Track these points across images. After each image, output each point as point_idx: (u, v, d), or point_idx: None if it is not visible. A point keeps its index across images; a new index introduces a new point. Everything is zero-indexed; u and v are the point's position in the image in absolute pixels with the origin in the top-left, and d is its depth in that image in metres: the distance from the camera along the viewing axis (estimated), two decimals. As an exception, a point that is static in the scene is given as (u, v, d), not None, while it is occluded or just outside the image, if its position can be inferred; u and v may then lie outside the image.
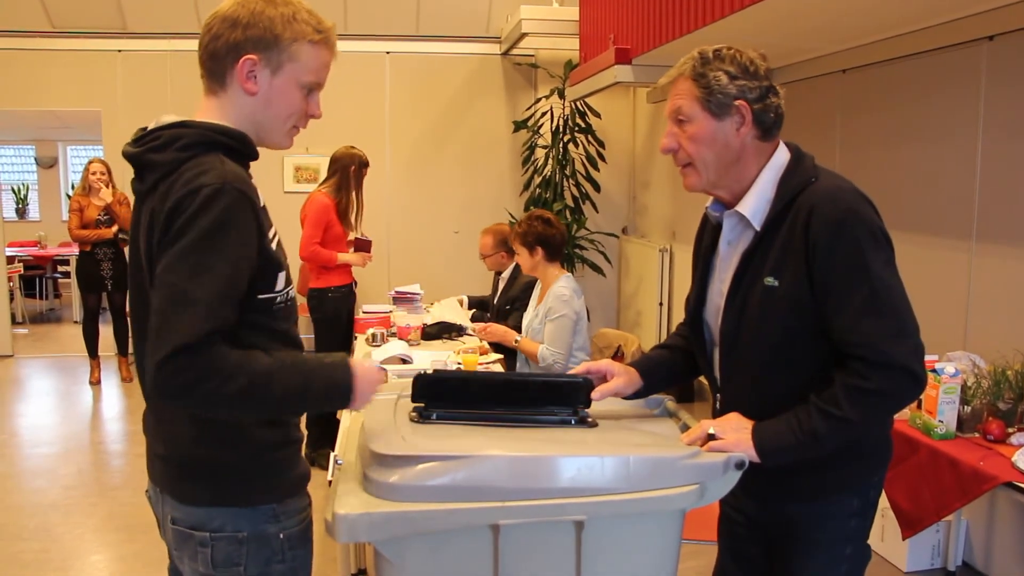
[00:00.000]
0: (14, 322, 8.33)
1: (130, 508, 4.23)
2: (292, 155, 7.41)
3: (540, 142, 7.45)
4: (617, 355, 4.08)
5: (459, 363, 3.58)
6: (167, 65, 7.28)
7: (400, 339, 4.29)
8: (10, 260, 8.48)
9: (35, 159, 12.56)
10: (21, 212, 12.52)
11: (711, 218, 1.86)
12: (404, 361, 3.75)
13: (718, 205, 1.82)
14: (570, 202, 7.35)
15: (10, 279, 8.22)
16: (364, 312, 5.10)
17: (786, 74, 4.63)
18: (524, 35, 6.77)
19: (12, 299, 8.40)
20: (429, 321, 4.55)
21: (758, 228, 1.71)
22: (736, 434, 1.65)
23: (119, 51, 7.28)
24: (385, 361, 3.58)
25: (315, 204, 4.82)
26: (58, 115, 9.18)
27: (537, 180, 7.43)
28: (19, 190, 12.42)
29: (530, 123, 7.42)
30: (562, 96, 7.22)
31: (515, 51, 7.49)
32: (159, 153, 1.51)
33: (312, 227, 4.76)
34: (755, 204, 1.71)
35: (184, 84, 7.32)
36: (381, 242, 7.63)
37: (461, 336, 4.46)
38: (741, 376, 1.78)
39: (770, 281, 1.66)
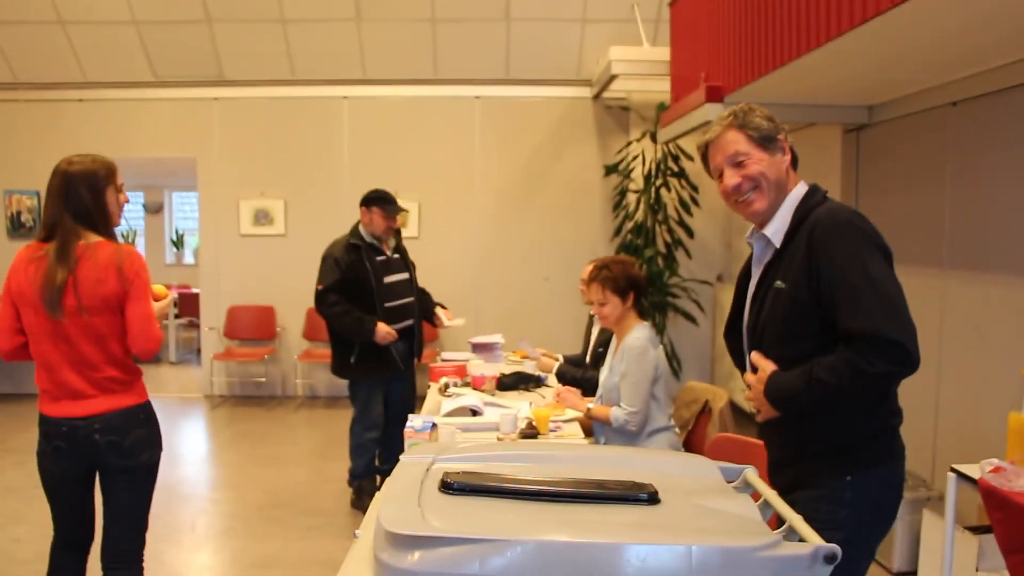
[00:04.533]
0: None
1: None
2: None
3: (631, 186, 7.24)
4: (704, 411, 3.76)
5: (530, 418, 3.36)
6: (259, 112, 7.42)
7: (475, 389, 4.13)
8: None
9: (143, 205, 13.05)
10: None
11: (749, 245, 2.23)
12: (475, 413, 3.57)
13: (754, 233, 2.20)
14: (662, 248, 7.09)
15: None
16: (442, 360, 4.96)
17: (888, 110, 4.32)
18: (614, 77, 6.61)
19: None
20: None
21: (777, 246, 2.09)
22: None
23: (215, 99, 7.45)
24: (452, 412, 3.40)
25: None
26: (163, 162, 9.48)
27: (628, 225, 7.21)
28: (126, 235, 12.89)
29: (621, 167, 7.23)
30: (654, 139, 7.00)
31: (606, 94, 7.34)
32: None
33: None
34: (776, 227, 2.11)
35: (274, 130, 7.48)
36: (468, 289, 7.54)
37: (539, 387, 4.25)
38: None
39: (779, 284, 2.04)
